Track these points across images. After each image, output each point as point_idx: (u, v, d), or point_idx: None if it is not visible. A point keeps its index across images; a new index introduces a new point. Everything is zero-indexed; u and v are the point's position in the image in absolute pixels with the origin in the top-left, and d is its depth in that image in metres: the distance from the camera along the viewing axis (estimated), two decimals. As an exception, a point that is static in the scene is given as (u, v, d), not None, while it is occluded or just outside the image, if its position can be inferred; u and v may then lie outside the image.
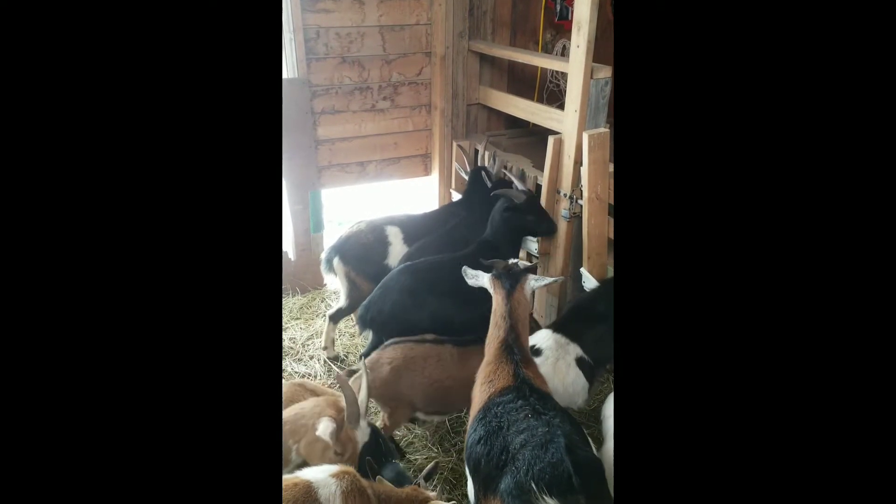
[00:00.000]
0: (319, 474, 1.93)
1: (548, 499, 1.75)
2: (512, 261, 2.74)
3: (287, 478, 1.90)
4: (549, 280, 2.55)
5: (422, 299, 3.17)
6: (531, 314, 3.10)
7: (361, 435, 2.32)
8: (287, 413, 2.40)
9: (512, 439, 1.97)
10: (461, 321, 3.19)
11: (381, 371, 2.76)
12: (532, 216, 3.43)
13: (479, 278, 2.60)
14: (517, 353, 2.33)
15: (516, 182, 3.54)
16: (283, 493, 1.81)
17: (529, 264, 2.98)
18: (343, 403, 2.30)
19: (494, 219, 3.45)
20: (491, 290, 2.54)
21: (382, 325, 3.15)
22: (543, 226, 3.51)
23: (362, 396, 2.33)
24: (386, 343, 2.95)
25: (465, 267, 2.67)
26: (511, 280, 2.47)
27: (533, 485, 1.78)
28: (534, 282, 2.49)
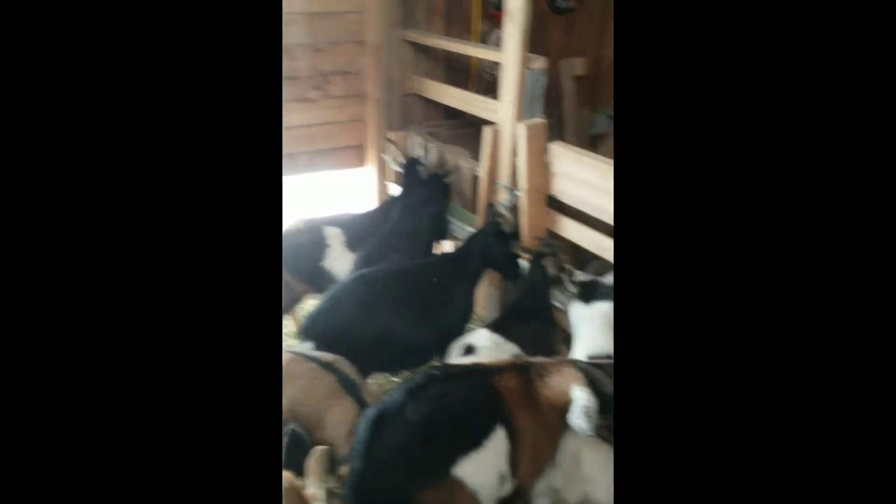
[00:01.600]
0: None
1: None
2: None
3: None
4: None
5: (376, 315, 2.90)
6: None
7: None
8: None
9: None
10: (418, 339, 3.00)
11: None
12: (509, 249, 3.26)
13: None
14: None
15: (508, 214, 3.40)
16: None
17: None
18: None
19: (479, 241, 3.26)
20: None
21: (330, 343, 2.81)
22: (510, 264, 3.30)
23: None
24: (287, 350, 2.75)
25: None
26: None
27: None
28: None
